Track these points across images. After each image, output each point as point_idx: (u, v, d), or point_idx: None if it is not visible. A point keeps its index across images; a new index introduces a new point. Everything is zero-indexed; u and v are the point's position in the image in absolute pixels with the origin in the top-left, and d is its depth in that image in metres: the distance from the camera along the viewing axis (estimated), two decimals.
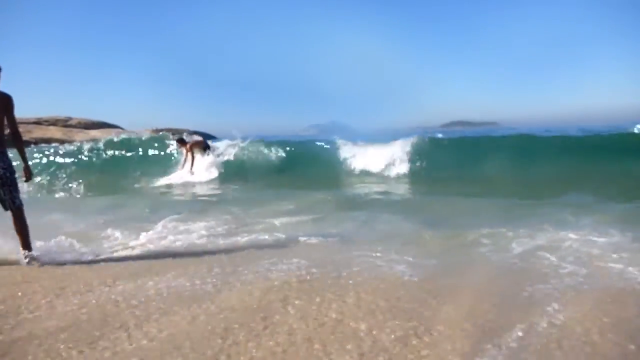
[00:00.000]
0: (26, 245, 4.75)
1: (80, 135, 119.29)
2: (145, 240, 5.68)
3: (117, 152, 17.77)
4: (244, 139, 16.11)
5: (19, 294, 3.77)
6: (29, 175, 4.96)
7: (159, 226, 6.34)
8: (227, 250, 5.08)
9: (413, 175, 13.17)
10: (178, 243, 5.53)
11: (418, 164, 13.64)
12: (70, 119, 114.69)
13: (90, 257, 4.96)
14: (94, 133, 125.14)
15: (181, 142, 14.88)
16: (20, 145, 4.88)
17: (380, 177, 13.45)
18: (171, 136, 17.62)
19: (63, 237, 5.20)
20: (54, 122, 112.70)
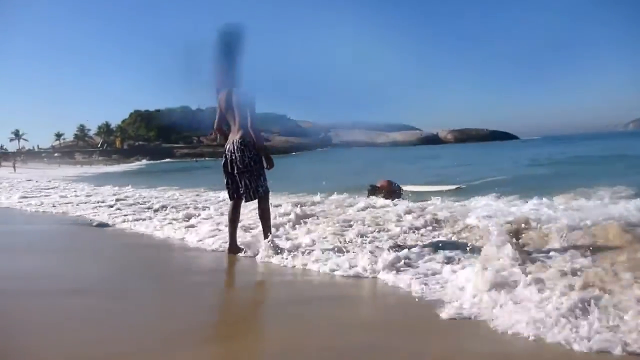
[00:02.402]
0: (266, 232, 5.12)
1: (381, 138, 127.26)
2: None
3: None
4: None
5: None
6: (270, 164, 5.12)
7: None
8: None
9: None
10: None
11: None
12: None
13: None
14: (394, 135, 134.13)
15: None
16: (257, 137, 5.06)
17: None
18: None
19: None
20: (359, 126, 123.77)
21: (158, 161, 74.40)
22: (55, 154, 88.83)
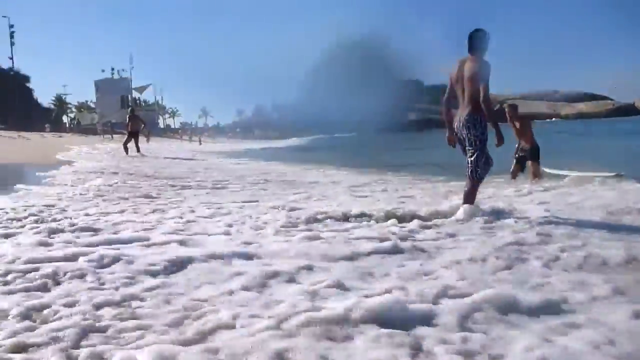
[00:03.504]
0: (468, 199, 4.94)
1: (566, 109, 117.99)
2: None
3: None
4: None
5: None
6: (500, 140, 4.84)
7: None
8: None
9: None
10: None
11: None
12: (556, 92, 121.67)
13: None
14: (580, 106, 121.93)
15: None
16: (489, 112, 4.78)
17: None
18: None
19: None
20: (540, 97, 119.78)
21: (329, 135, 75.62)
22: (237, 129, 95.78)
